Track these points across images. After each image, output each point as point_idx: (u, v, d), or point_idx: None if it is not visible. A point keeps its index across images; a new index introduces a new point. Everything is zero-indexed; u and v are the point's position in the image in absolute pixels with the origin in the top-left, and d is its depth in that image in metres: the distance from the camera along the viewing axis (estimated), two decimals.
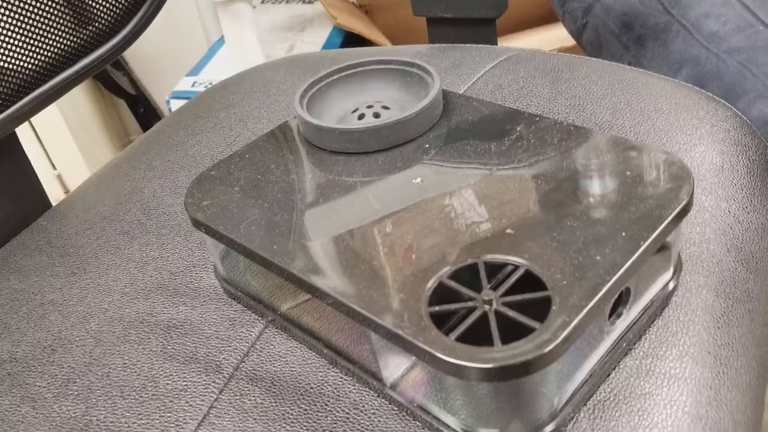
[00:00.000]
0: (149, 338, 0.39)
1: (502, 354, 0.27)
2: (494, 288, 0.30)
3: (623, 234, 0.31)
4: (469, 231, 0.33)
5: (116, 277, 0.44)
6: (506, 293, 0.30)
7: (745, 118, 0.49)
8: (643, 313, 0.35)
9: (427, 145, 0.40)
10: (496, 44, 0.62)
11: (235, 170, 0.41)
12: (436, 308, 0.30)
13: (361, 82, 0.45)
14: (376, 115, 0.42)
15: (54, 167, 0.87)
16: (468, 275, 0.32)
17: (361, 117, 0.43)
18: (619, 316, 0.33)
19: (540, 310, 0.29)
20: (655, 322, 0.35)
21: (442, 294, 0.31)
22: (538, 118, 0.40)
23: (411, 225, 0.34)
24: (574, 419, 0.32)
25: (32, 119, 0.83)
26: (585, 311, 0.28)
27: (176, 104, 1.06)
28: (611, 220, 0.32)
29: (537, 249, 0.32)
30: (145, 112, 1.27)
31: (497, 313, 0.29)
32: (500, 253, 0.32)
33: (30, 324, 0.42)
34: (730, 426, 0.32)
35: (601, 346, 0.32)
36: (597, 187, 0.34)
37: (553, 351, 0.27)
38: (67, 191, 0.92)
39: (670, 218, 0.32)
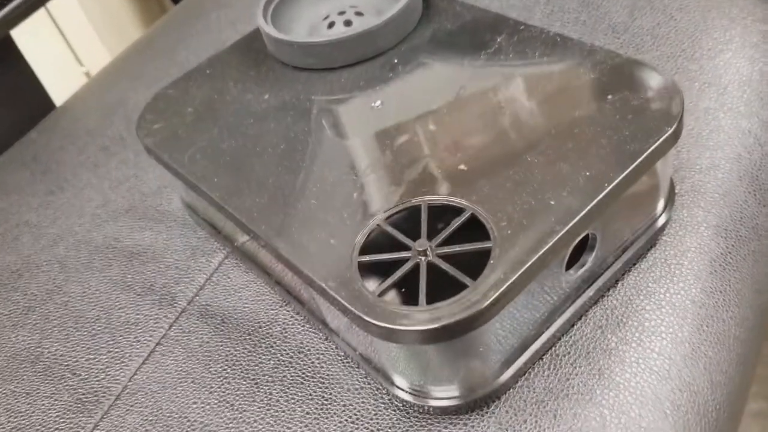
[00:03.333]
0: (111, 265, 0.38)
1: (422, 316, 0.24)
2: (436, 234, 0.27)
3: (587, 173, 0.27)
4: (420, 166, 0.30)
5: (90, 197, 0.43)
6: (446, 241, 0.27)
7: None
8: (620, 255, 0.31)
9: (396, 60, 0.35)
10: None
11: (192, 88, 0.38)
12: (367, 258, 0.27)
13: None
14: (348, 23, 0.38)
15: (81, 64, 0.86)
16: (412, 218, 0.28)
17: (331, 26, 0.38)
18: (582, 265, 0.29)
19: (484, 261, 0.26)
20: (637, 265, 0.31)
21: (381, 240, 0.28)
22: (523, 27, 0.35)
23: (359, 158, 0.31)
24: (526, 376, 0.29)
25: (54, 15, 0.81)
26: (525, 268, 0.25)
27: None
28: (577, 156, 0.28)
29: (488, 189, 0.28)
30: None
31: (431, 266, 0.26)
32: (447, 194, 0.28)
33: (4, 246, 0.42)
34: (705, 387, 0.29)
35: (562, 297, 0.29)
36: (570, 115, 0.30)
37: (481, 313, 0.24)
38: None
39: (645, 154, 0.27)
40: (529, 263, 0.25)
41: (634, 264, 0.31)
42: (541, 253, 0.25)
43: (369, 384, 0.30)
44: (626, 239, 0.31)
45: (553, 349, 0.29)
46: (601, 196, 0.26)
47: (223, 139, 0.34)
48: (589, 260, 0.29)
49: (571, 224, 0.26)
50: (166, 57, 0.52)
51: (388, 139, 0.31)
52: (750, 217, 0.34)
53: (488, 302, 0.24)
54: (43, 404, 0.33)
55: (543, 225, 0.26)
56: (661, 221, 0.32)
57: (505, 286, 0.25)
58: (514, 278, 0.25)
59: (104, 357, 0.34)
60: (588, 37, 0.41)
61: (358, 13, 0.38)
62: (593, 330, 0.30)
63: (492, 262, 0.25)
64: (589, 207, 0.26)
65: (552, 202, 0.27)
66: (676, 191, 0.34)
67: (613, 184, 0.27)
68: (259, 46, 0.40)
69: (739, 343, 0.31)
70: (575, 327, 0.30)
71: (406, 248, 0.27)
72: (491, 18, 0.36)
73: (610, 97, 0.30)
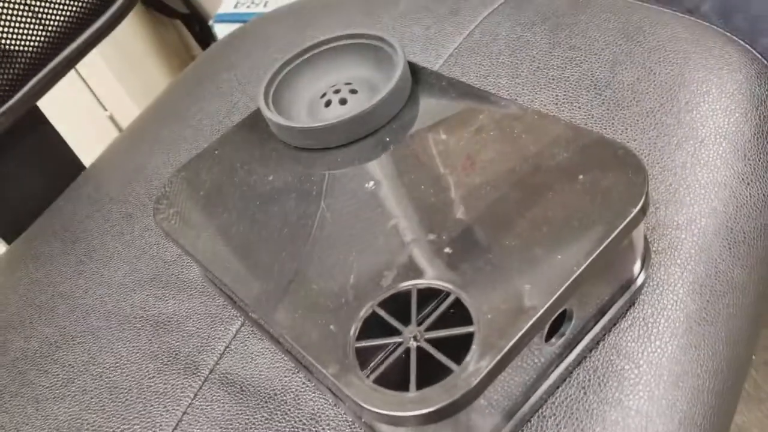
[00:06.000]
0: (140, 335, 0.42)
1: (413, 403, 0.27)
2: (425, 318, 0.30)
3: (558, 257, 0.30)
4: (410, 249, 0.33)
5: (117, 266, 0.47)
6: (435, 325, 0.30)
7: (766, 62, 0.44)
8: (600, 318, 0.33)
9: (387, 139, 0.38)
10: None
11: (203, 170, 0.41)
12: (363, 343, 0.30)
13: (332, 60, 0.43)
14: (343, 102, 0.41)
15: (104, 108, 0.90)
16: (404, 301, 0.31)
17: (328, 104, 0.41)
18: (561, 335, 0.32)
19: (470, 343, 0.29)
20: (617, 325, 0.34)
21: (375, 323, 0.31)
22: (504, 104, 0.37)
23: (354, 241, 0.34)
24: None
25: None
26: (504, 352, 0.28)
27: (221, 28, 1.05)
28: (550, 239, 0.31)
29: (471, 273, 0.31)
30: (201, 30, 1.27)
31: (420, 350, 0.29)
32: (434, 278, 0.31)
33: (41, 318, 0.46)
34: None
35: (545, 364, 0.32)
36: (544, 196, 0.32)
37: (466, 396, 0.27)
38: (120, 130, 0.95)
39: (612, 236, 0.30)
40: (508, 347, 0.28)
41: (615, 324, 0.34)
42: (518, 336, 0.28)
43: None
44: (605, 303, 0.33)
45: (540, 410, 0.32)
46: (571, 280, 0.29)
47: (231, 224, 0.37)
48: (568, 330, 0.32)
49: (545, 307, 0.29)
50: (181, 121, 0.55)
51: (381, 222, 0.34)
52: (725, 272, 0.36)
53: (472, 386, 0.27)
54: None
55: (520, 308, 0.29)
56: (639, 281, 0.34)
57: (487, 370, 0.27)
58: (495, 362, 0.27)
59: (138, 427, 0.37)
60: (572, 94, 0.44)
61: (353, 91, 0.41)
62: (577, 391, 0.32)
63: (475, 347, 0.28)
64: (561, 290, 0.29)
65: (527, 286, 0.29)
66: (654, 249, 0.36)
67: (582, 267, 0.29)
68: (264, 124, 0.43)
69: (714, 395, 0.33)
70: (560, 389, 0.33)
71: (398, 332, 0.30)
72: (474, 94, 0.39)
73: (581, 177, 0.33)
